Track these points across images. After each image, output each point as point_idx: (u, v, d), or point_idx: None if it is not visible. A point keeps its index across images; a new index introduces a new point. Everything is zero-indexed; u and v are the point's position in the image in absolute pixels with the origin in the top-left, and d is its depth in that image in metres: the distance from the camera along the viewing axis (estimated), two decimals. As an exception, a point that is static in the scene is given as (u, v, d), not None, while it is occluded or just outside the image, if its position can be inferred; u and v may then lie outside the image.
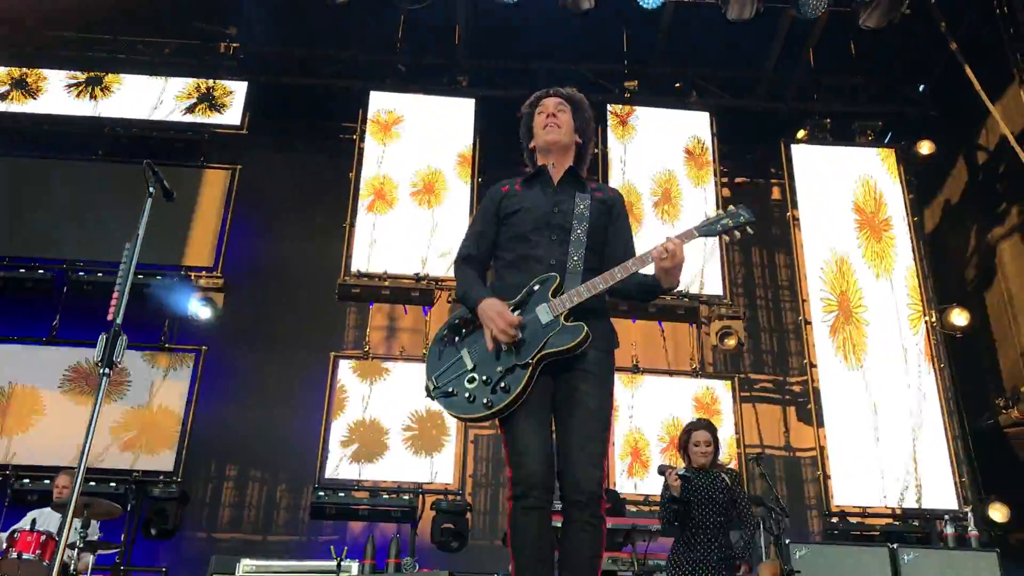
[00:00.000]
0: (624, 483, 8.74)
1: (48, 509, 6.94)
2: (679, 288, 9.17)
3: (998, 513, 8.59)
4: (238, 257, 9.76)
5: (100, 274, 9.39)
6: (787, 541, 5.18)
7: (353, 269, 9.45)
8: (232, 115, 10.15)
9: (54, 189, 9.93)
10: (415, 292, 9.52)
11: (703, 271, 9.65)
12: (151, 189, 3.34)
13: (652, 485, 8.88)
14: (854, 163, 10.44)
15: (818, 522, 9.69)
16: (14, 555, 6.05)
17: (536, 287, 3.11)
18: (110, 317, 3.08)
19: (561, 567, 2.96)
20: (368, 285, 9.44)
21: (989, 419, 9.63)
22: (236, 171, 9.96)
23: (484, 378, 3.02)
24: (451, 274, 9.48)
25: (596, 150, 10.20)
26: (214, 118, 10.20)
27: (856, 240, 10.06)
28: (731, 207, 3.14)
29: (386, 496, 8.67)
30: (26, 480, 8.59)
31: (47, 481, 8.27)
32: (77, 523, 6.31)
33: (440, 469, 8.90)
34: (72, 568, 6.19)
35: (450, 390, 3.08)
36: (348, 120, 10.45)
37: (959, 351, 9.90)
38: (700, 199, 10.05)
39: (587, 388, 3.02)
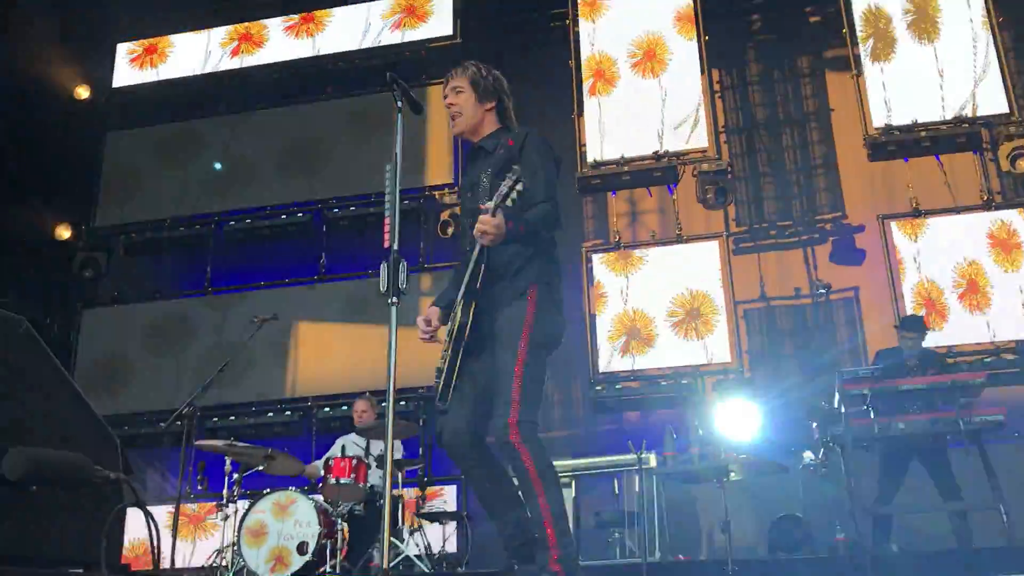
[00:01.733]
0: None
1: (353, 434, 7.36)
2: (954, 113, 8.29)
3: None
4: (474, 169, 9.74)
5: (352, 208, 9.74)
6: None
7: (589, 159, 9.16)
8: (443, 25, 10.01)
9: (294, 133, 10.33)
10: (657, 172, 9.11)
11: (974, 91, 8.47)
12: (399, 103, 3.17)
13: (952, 335, 8.11)
14: None
15: None
16: (332, 480, 6.46)
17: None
18: (386, 244, 2.97)
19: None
20: (607, 173, 9.12)
21: None
22: (458, 82, 9.85)
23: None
24: (693, 145, 9.04)
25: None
26: (421, 30, 10.10)
27: None
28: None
29: (663, 383, 8.50)
30: (326, 408, 9.21)
31: (344, 407, 8.83)
32: (380, 444, 6.68)
33: (715, 350, 8.58)
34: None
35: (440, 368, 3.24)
36: (556, 6, 10.02)
37: None
38: (963, 10, 8.76)
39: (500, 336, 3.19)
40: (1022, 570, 4.55)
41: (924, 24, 8.86)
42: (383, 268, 2.95)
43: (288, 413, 9.31)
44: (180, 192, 10.41)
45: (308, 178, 10.14)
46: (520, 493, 3.11)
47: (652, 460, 6.06)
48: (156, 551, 2.05)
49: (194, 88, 10.69)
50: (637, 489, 6.45)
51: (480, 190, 3.36)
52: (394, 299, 2.91)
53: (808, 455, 6.42)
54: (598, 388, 8.62)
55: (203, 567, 6.83)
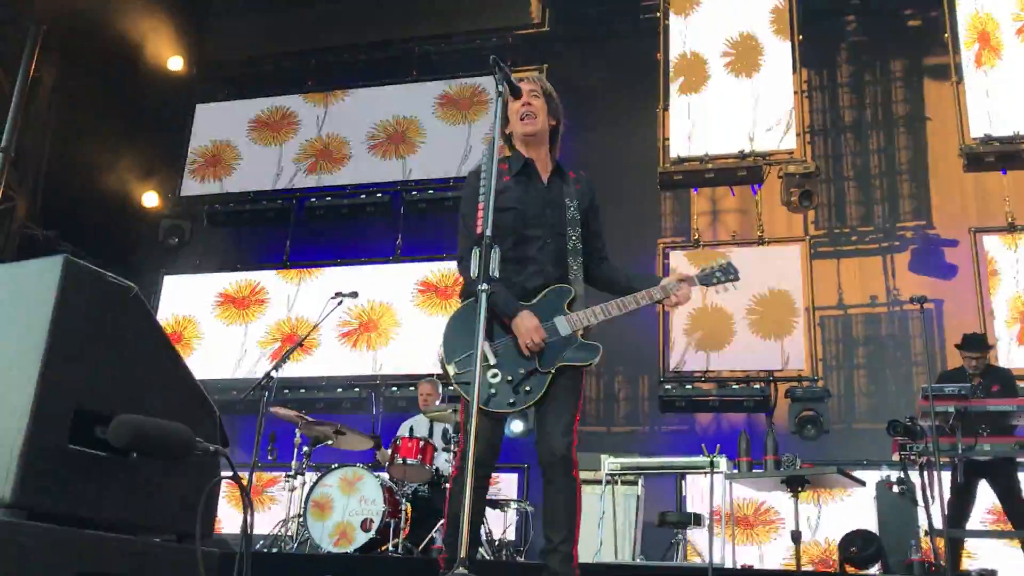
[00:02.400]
0: (1017, 353, 7.71)
1: (420, 416, 7.40)
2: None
3: None
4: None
5: (431, 192, 9.79)
6: None
7: (672, 155, 9.05)
8: (531, 13, 9.98)
9: (374, 113, 10.42)
10: (741, 171, 8.97)
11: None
12: (500, 87, 3.14)
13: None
14: None
15: None
16: (399, 460, 6.51)
17: (551, 296, 3.34)
18: (479, 230, 2.95)
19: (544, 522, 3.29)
20: (690, 170, 9.01)
21: None
22: (544, 70, 9.82)
23: (508, 378, 3.26)
24: (782, 147, 8.87)
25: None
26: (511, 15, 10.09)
27: None
28: (730, 263, 3.47)
29: (736, 386, 8.39)
30: (394, 388, 9.29)
31: (411, 388, 8.90)
32: (449, 428, 6.70)
33: (791, 352, 8.43)
34: (451, 469, 6.56)
35: (469, 381, 3.08)
36: (647, -1, 9.93)
37: None
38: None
39: (566, 386, 3.30)
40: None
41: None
42: (474, 254, 2.93)
43: (356, 391, 9.42)
44: (270, 166, 10.58)
45: (393, 158, 10.22)
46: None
47: (723, 464, 5.97)
48: (249, 524, 2.07)
49: (286, 65, 10.86)
50: (705, 492, 6.36)
51: (565, 215, 3.43)
52: (484, 285, 2.88)
53: (886, 471, 6.27)
54: (667, 387, 8.54)
55: (268, 536, 6.94)
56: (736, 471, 5.68)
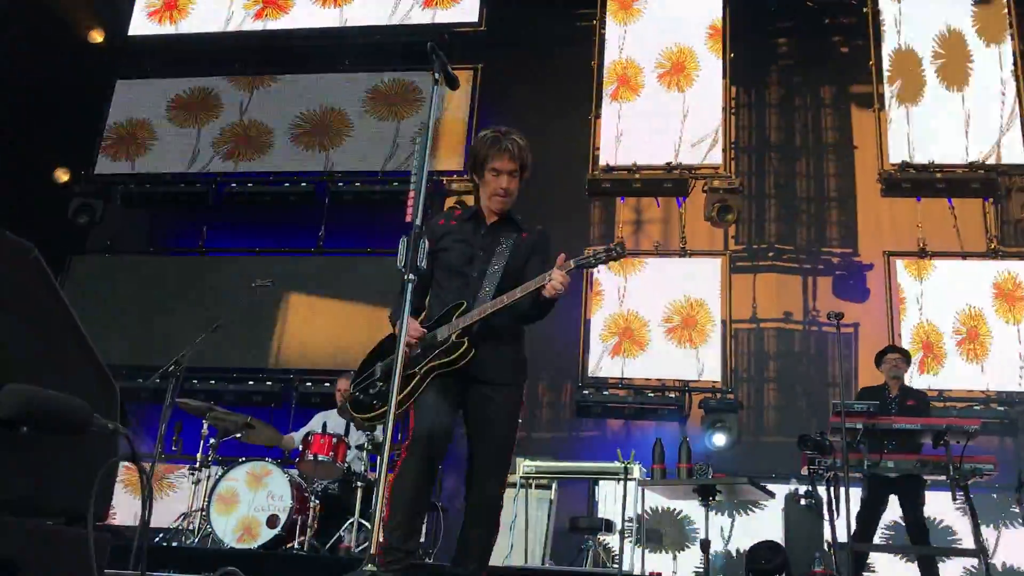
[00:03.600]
0: (917, 380, 7.95)
1: (334, 412, 7.24)
2: (973, 159, 8.26)
3: None
4: (485, 158, 9.65)
5: (358, 184, 9.63)
6: None
7: (602, 163, 9.10)
8: (470, 10, 9.90)
9: (301, 102, 10.20)
10: (667, 183, 9.07)
11: (1000, 140, 8.45)
12: (437, 75, 3.07)
13: (946, 380, 8.09)
14: None
15: None
16: (310, 456, 6.34)
17: (449, 311, 3.48)
18: (408, 218, 2.88)
19: (458, 550, 3.51)
20: (618, 179, 9.06)
21: None
22: (478, 70, 9.78)
23: (382, 386, 3.47)
24: (708, 161, 8.99)
25: (865, 10, 9.16)
26: (452, 11, 9.99)
27: None
28: (611, 244, 3.41)
29: (651, 394, 8.46)
30: (308, 383, 9.09)
31: (327, 384, 8.72)
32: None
33: (706, 363, 8.55)
34: (363, 468, 6.43)
35: (359, 396, 3.58)
36: (586, 6, 9.93)
37: None
38: (993, 60, 8.74)
39: (500, 422, 3.48)
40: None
41: (954, 70, 8.82)
42: (402, 242, 2.87)
43: (269, 384, 9.19)
44: (186, 149, 10.24)
45: (316, 149, 10.01)
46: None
47: (637, 471, 5.98)
48: (147, 508, 1.94)
49: (212, 47, 10.54)
50: (617, 498, 6.37)
51: (497, 251, 3.55)
52: (411, 276, 2.81)
53: (794, 484, 6.38)
54: (585, 392, 8.56)
55: (168, 529, 6.69)
56: (649, 478, 5.70)
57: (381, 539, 2.81)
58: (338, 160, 9.90)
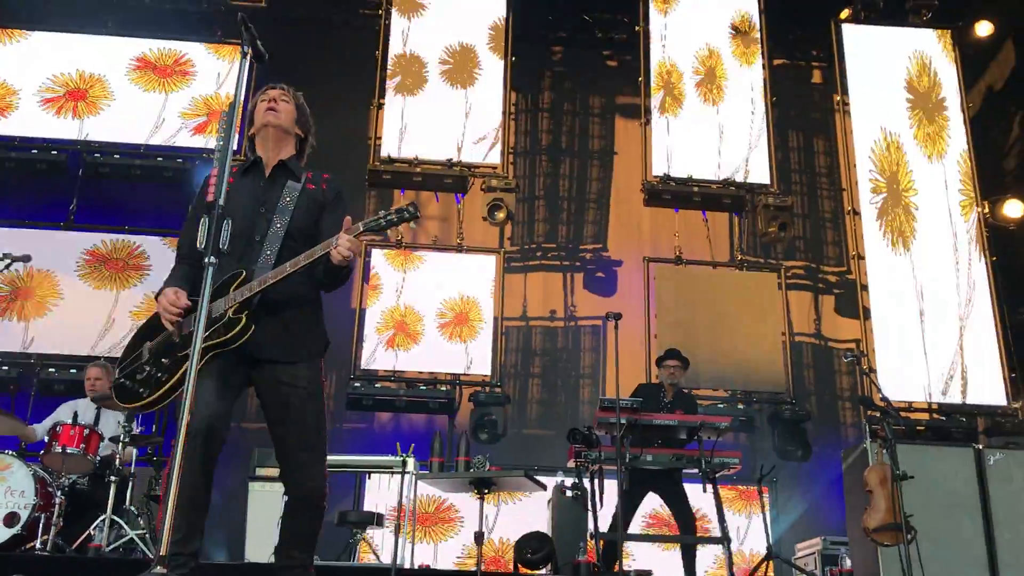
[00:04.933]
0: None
1: (85, 400, 6.70)
2: (726, 176, 9.01)
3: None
4: (262, 139, 9.31)
5: (117, 156, 8.96)
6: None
7: (383, 154, 9.04)
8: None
9: (55, 63, 9.35)
10: (448, 179, 9.16)
11: (748, 159, 9.27)
12: (246, 48, 2.92)
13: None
14: (908, 41, 9.94)
15: (851, 414, 9.62)
16: (58, 448, 5.84)
17: (227, 281, 3.13)
18: (210, 198, 2.72)
19: (282, 537, 3.29)
20: (399, 171, 9.04)
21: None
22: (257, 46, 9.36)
23: (150, 370, 3.15)
24: (488, 160, 9.18)
25: (637, 28, 9.70)
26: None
27: (908, 120, 9.64)
28: (403, 205, 3.13)
29: (423, 387, 8.53)
30: (52, 369, 8.36)
31: (73, 371, 8.07)
32: (121, 417, 6.13)
33: (476, 357, 8.73)
34: (118, 462, 6.01)
35: (122, 382, 3.22)
36: (371, -9, 9.84)
37: (1006, 242, 9.63)
38: (746, 82, 9.57)
39: (299, 403, 3.18)
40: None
41: (711, 87, 9.55)
42: (203, 223, 2.70)
43: (6, 368, 8.35)
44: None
45: (70, 116, 9.18)
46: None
47: (411, 464, 6.00)
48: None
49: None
50: (384, 491, 6.37)
51: (279, 206, 3.26)
52: (213, 258, 2.66)
53: (561, 475, 6.65)
54: (356, 384, 8.47)
55: None
56: (427, 471, 5.74)
57: (166, 539, 2.59)
58: (94, 130, 9.15)
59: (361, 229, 3.06)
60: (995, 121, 10.43)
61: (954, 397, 8.66)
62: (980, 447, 6.11)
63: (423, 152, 9.06)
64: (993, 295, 8.98)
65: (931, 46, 9.96)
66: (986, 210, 9.39)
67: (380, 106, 9.21)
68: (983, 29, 9.91)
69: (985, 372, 8.75)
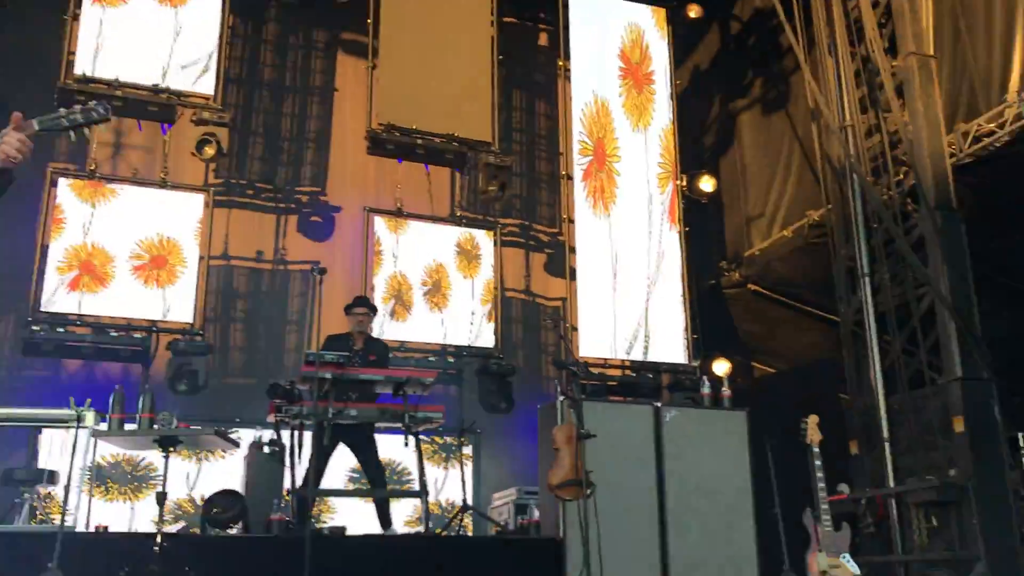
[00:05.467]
0: (391, 328, 8.51)
1: None
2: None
3: (721, 368, 9.38)
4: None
5: None
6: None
7: (77, 71, 8.11)
8: None
9: None
10: (153, 107, 8.41)
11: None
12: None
13: (412, 329, 8.78)
14: (626, 13, 10.40)
15: (554, 370, 10.05)
16: None
17: None
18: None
19: None
20: (96, 92, 8.12)
21: (713, 280, 10.36)
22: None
23: None
24: (197, 89, 8.50)
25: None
26: None
27: (619, 88, 10.10)
28: (90, 103, 2.70)
29: (114, 333, 7.83)
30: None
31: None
32: None
33: (173, 303, 8.17)
34: None
35: None
36: None
37: (698, 215, 10.43)
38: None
39: None
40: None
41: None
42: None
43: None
44: None
45: None
46: None
47: (90, 419, 5.46)
48: None
49: None
50: (67, 447, 5.77)
51: None
52: None
53: (259, 430, 6.38)
54: (36, 328, 7.62)
55: None
56: (105, 428, 5.25)
57: None
58: None
59: (36, 128, 2.55)
60: (698, 100, 11.22)
61: (637, 355, 9.31)
62: (659, 405, 6.58)
63: (124, 74, 8.22)
64: (684, 263, 9.73)
65: (646, 20, 10.47)
66: (684, 183, 10.10)
67: (76, 16, 8.25)
68: (693, 11, 10.57)
69: (669, 333, 9.48)
